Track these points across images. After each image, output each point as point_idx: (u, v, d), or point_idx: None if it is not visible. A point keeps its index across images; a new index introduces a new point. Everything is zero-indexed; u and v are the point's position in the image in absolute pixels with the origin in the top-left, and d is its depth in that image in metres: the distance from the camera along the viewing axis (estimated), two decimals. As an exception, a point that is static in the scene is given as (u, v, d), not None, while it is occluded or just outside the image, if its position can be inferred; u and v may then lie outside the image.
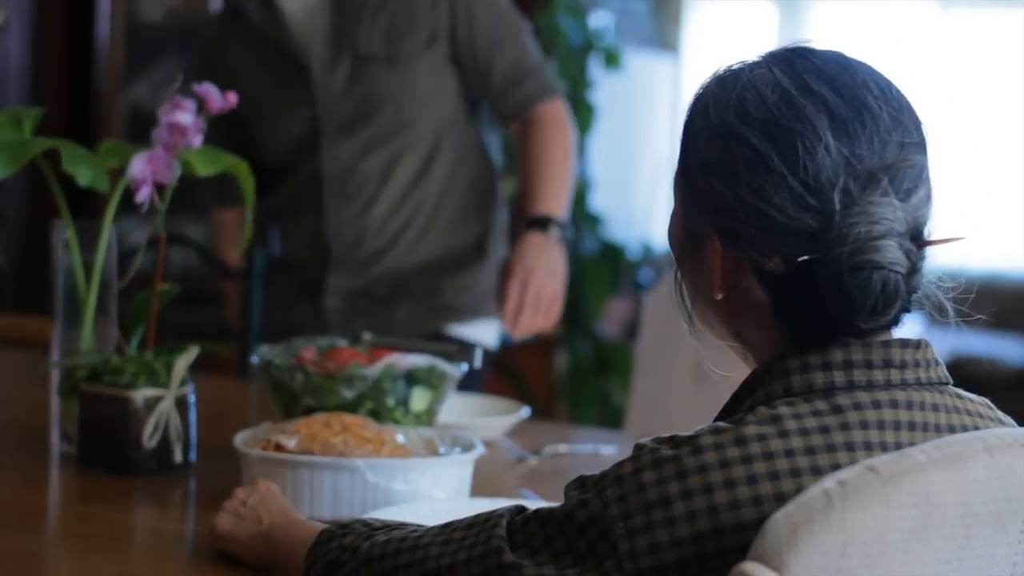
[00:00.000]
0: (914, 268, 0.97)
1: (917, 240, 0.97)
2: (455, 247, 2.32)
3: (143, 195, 1.61)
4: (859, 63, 1.02)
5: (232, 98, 1.65)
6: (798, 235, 0.97)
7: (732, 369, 1.08)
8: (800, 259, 0.97)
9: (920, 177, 0.99)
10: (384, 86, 2.24)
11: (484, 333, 2.32)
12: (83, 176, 1.65)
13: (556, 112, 2.30)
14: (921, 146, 1.00)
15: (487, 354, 2.16)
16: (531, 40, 2.32)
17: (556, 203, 2.22)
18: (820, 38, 1.04)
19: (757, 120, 0.98)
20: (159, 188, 1.63)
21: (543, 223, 2.18)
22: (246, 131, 2.31)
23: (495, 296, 2.21)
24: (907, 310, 1.00)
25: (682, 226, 1.06)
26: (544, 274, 2.14)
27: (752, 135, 0.98)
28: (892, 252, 0.95)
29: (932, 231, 1.00)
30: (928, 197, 1.00)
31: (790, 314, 1.00)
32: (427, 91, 2.25)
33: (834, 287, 0.96)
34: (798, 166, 0.97)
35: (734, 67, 1.03)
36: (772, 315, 1.01)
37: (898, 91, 1.01)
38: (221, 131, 2.33)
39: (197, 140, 1.63)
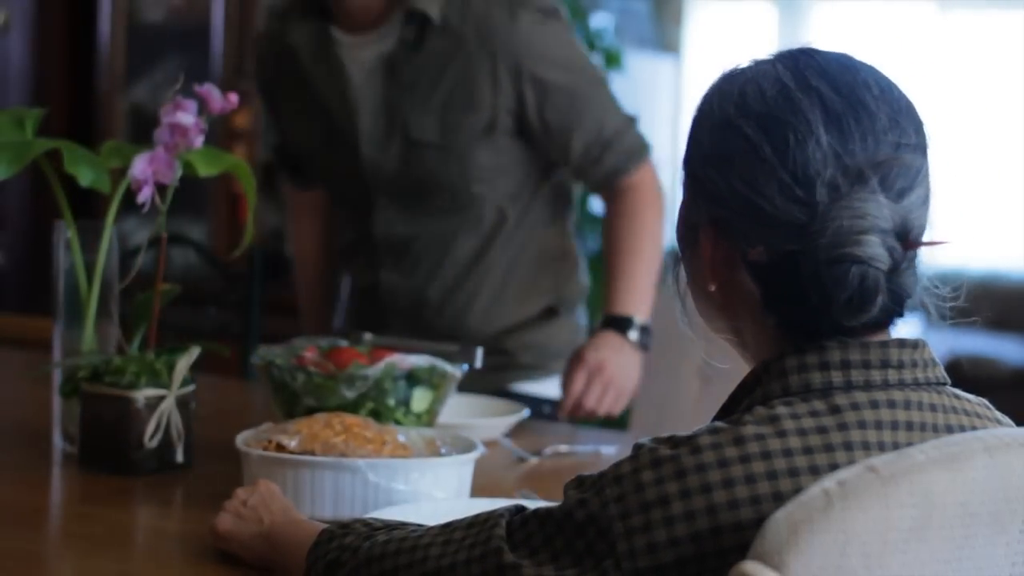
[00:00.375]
0: (896, 266, 0.97)
1: (905, 240, 0.97)
2: (524, 315, 2.17)
3: (144, 195, 1.61)
4: (864, 64, 1.02)
5: (233, 98, 1.65)
6: (786, 226, 0.98)
7: (737, 369, 1.08)
8: (785, 250, 0.98)
9: (916, 179, 0.99)
10: (438, 172, 2.07)
11: (551, 388, 2.15)
12: (85, 177, 1.65)
13: (643, 182, 2.09)
14: (919, 149, 1.00)
15: (554, 404, 2.07)
16: (610, 97, 2.10)
17: (638, 303, 2.04)
18: (820, 39, 1.05)
19: (754, 112, 1.00)
20: (160, 188, 1.63)
21: (623, 324, 2.02)
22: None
23: (562, 373, 2.03)
24: (896, 309, 1.00)
25: (683, 218, 1.07)
26: (615, 369, 1.98)
27: (747, 126, 1.00)
28: (873, 247, 0.96)
29: (930, 233, 1.00)
30: (925, 200, 1.00)
31: (778, 307, 1.01)
32: (488, 173, 2.08)
33: (813, 278, 0.97)
34: (788, 157, 0.98)
35: (742, 65, 1.05)
36: (763, 308, 1.02)
37: (901, 94, 1.01)
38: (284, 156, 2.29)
39: (198, 140, 1.63)
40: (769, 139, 0.98)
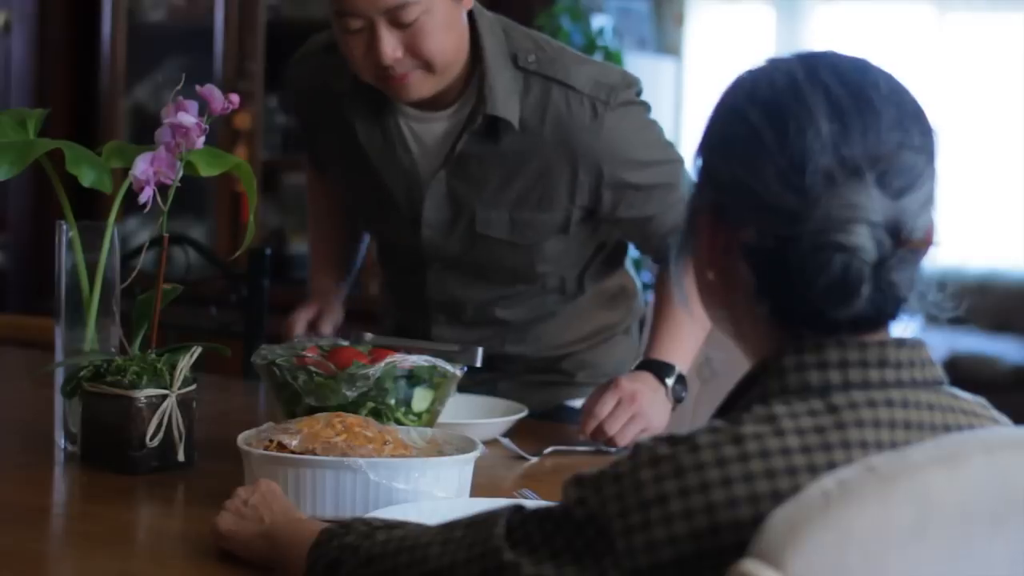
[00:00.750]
0: (884, 260, 0.97)
1: (897, 237, 0.98)
2: (581, 343, 2.12)
3: (146, 196, 1.61)
4: (878, 68, 1.03)
5: (234, 99, 1.66)
6: (779, 212, 0.98)
7: (735, 370, 1.09)
8: (776, 235, 0.98)
9: (917, 180, 0.99)
10: (503, 259, 1.98)
11: None
12: (86, 177, 1.65)
13: None
14: (924, 152, 1.01)
15: None
16: (684, 182, 1.90)
17: (680, 355, 1.92)
18: (818, 41, 1.06)
19: (761, 100, 1.01)
20: (162, 189, 1.63)
21: (662, 369, 1.89)
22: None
23: (592, 394, 1.89)
24: (887, 307, 1.00)
25: (688, 205, 1.08)
26: (647, 404, 1.83)
27: (752, 113, 1.01)
28: (859, 237, 0.96)
29: (932, 237, 1.01)
30: (926, 203, 1.00)
31: (770, 294, 1.01)
32: (554, 256, 1.99)
33: (799, 264, 0.97)
34: (787, 144, 0.98)
35: (763, 62, 1.06)
36: (756, 296, 1.02)
37: (912, 99, 1.02)
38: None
39: (200, 141, 1.63)
40: (771, 125, 0.99)
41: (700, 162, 1.07)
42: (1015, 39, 5.59)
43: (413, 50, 1.81)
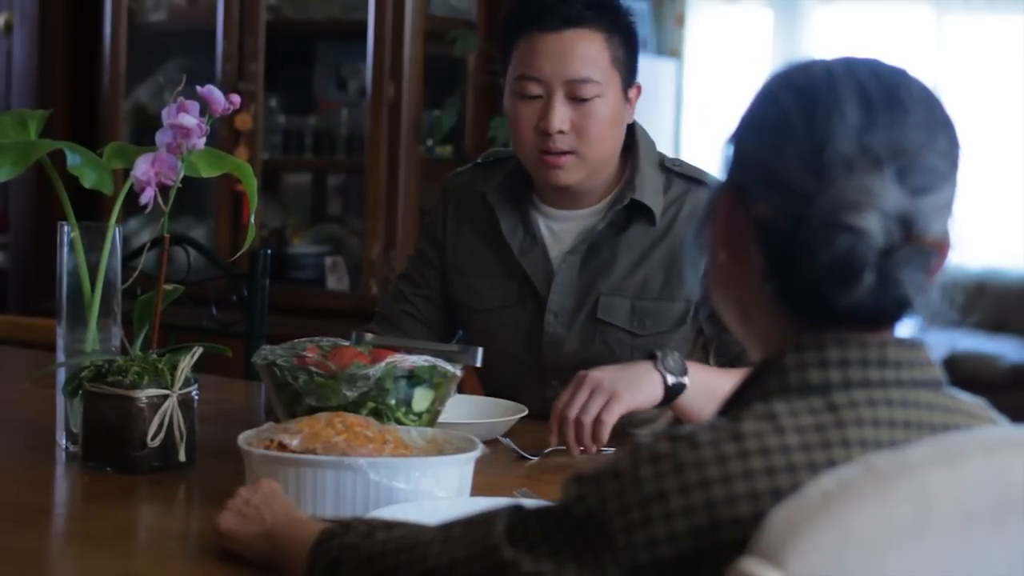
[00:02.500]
0: (891, 250, 0.97)
1: (908, 231, 0.98)
2: None
3: (147, 196, 1.61)
4: (916, 78, 1.04)
5: (235, 99, 1.66)
6: (796, 194, 0.99)
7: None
8: (790, 213, 0.99)
9: (937, 183, 0.99)
10: (620, 354, 1.99)
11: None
12: (88, 178, 1.66)
13: None
14: (947, 158, 1.01)
15: None
16: None
17: (695, 371, 1.83)
18: (817, 43, 1.07)
19: (795, 86, 1.02)
20: (163, 189, 1.63)
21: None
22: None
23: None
24: (889, 304, 1.00)
25: (715, 189, 1.09)
26: (612, 377, 1.76)
27: (784, 96, 1.02)
28: (868, 222, 0.96)
29: (947, 245, 1.01)
30: (944, 208, 1.00)
31: (776, 275, 1.02)
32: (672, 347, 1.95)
33: (805, 240, 0.98)
34: (813, 128, 0.99)
35: (806, 58, 1.07)
36: (765, 278, 1.02)
37: (943, 110, 1.03)
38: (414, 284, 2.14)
39: (201, 142, 1.64)
40: (800, 109, 1.00)
41: (729, 143, 1.07)
42: (1014, 40, 5.60)
43: (579, 129, 1.96)
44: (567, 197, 2.04)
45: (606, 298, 2.02)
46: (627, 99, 2.02)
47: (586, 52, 1.97)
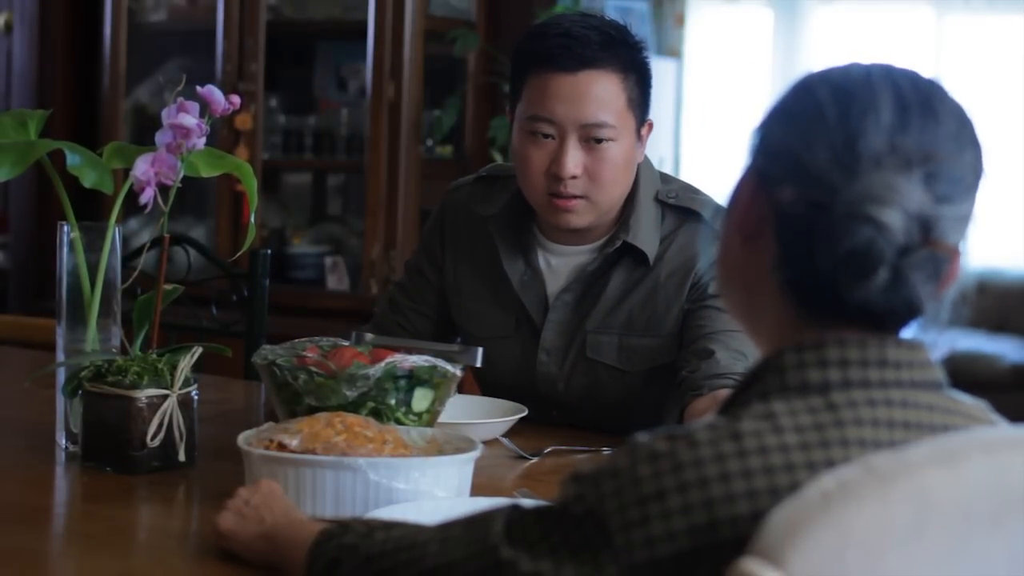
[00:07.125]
0: (907, 250, 0.98)
1: (926, 234, 0.98)
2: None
3: (147, 196, 1.61)
4: (951, 93, 1.05)
5: (235, 99, 1.66)
6: (821, 185, 0.99)
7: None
8: (812, 201, 0.99)
9: (961, 195, 1.00)
10: (613, 388, 2.01)
11: None
12: (87, 178, 1.66)
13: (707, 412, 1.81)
14: (972, 172, 1.02)
15: None
16: None
17: None
18: (817, 44, 1.08)
19: (833, 81, 1.03)
20: (163, 189, 1.64)
21: None
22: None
23: None
24: (896, 306, 1.00)
25: (739, 176, 1.08)
26: None
27: (821, 89, 1.02)
28: (891, 218, 0.97)
29: (959, 256, 1.01)
30: (963, 220, 1.01)
31: (789, 263, 1.01)
32: (654, 393, 2.01)
33: (826, 228, 0.98)
34: (847, 123, 0.99)
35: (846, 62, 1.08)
36: (777, 265, 1.02)
37: (973, 127, 1.04)
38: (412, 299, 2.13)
39: (201, 142, 1.64)
40: (836, 103, 1.01)
41: (757, 132, 1.07)
42: (1014, 41, 5.59)
43: (592, 174, 1.92)
44: (570, 234, 2.01)
45: (593, 335, 2.00)
46: (639, 138, 1.97)
47: (602, 95, 1.91)
